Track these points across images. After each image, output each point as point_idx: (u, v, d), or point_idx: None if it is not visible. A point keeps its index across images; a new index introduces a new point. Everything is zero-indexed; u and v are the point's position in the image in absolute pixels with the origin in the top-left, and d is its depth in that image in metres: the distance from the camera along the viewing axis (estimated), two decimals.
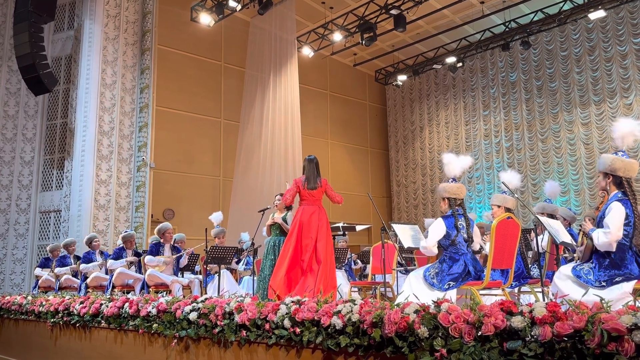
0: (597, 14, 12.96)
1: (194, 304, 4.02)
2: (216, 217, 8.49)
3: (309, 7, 14.28)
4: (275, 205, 6.00)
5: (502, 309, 2.44)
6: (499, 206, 4.87)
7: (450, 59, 15.81)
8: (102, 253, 8.07)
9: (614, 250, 3.49)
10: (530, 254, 5.43)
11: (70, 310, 5.35)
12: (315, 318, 3.12)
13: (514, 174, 5.03)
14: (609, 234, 3.46)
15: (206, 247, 6.89)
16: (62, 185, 11.24)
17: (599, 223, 3.66)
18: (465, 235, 4.38)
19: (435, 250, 4.31)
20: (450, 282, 4.17)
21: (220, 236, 8.34)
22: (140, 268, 7.26)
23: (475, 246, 4.54)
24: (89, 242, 8.00)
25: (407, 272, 6.72)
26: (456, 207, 4.44)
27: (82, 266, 7.71)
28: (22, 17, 10.14)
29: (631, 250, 3.53)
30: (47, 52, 10.99)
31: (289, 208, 5.79)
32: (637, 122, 3.65)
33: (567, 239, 4.36)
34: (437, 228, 4.35)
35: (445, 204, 4.49)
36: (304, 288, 4.89)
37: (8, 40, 11.57)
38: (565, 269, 3.74)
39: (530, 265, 5.13)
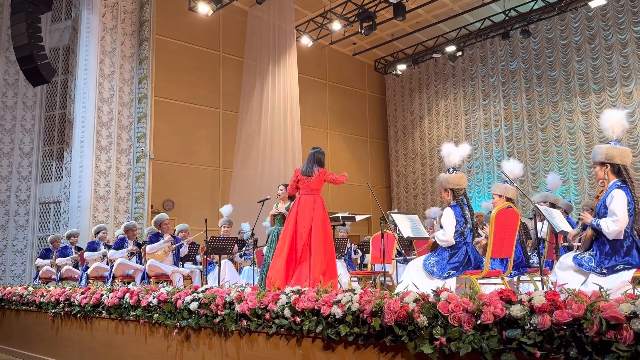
0: (597, 2, 12.88)
1: (195, 294, 4.03)
2: (226, 209, 8.61)
3: None
4: (278, 195, 6.00)
5: (501, 298, 2.45)
6: (500, 195, 4.86)
7: (450, 48, 15.75)
8: (105, 245, 8.09)
9: (622, 237, 3.51)
10: (529, 242, 5.44)
11: (71, 300, 5.36)
12: (316, 307, 3.13)
13: (516, 164, 5.01)
14: (618, 221, 3.47)
15: (206, 238, 6.90)
16: (62, 177, 11.24)
17: (598, 212, 3.68)
18: (470, 225, 4.39)
19: (453, 241, 4.30)
20: (450, 271, 4.19)
21: (226, 225, 8.40)
22: (141, 259, 7.28)
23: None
24: (97, 233, 8.04)
25: (406, 261, 6.74)
26: (460, 197, 4.45)
27: (87, 254, 7.73)
28: (20, 7, 10.07)
29: (631, 237, 3.56)
30: (45, 42, 10.94)
31: (292, 198, 5.79)
32: (623, 112, 3.71)
33: (566, 227, 4.38)
34: (450, 218, 4.33)
35: (449, 195, 4.48)
36: (300, 277, 4.90)
37: (5, 31, 11.50)
38: (566, 259, 3.76)
39: (529, 254, 5.15)
